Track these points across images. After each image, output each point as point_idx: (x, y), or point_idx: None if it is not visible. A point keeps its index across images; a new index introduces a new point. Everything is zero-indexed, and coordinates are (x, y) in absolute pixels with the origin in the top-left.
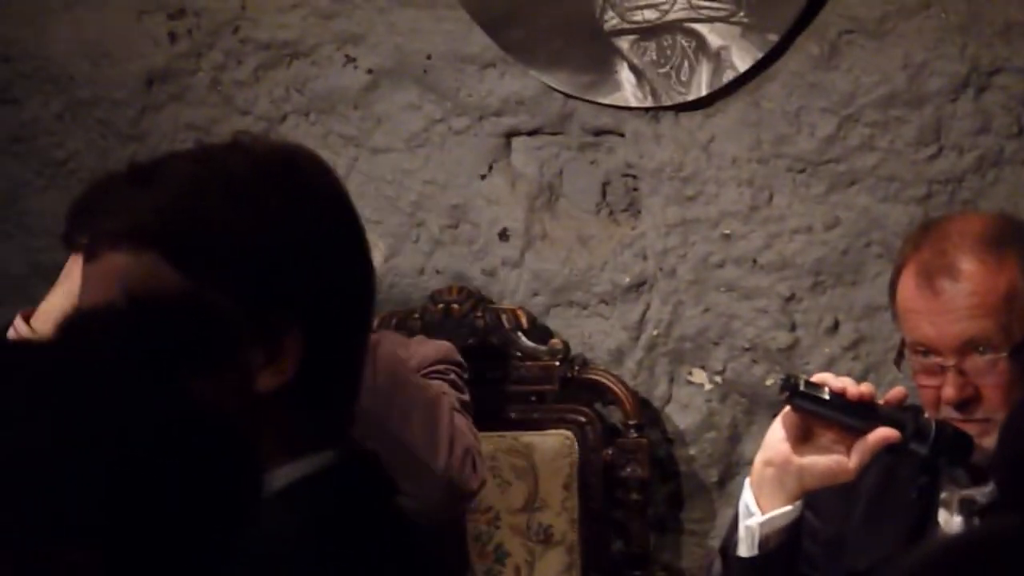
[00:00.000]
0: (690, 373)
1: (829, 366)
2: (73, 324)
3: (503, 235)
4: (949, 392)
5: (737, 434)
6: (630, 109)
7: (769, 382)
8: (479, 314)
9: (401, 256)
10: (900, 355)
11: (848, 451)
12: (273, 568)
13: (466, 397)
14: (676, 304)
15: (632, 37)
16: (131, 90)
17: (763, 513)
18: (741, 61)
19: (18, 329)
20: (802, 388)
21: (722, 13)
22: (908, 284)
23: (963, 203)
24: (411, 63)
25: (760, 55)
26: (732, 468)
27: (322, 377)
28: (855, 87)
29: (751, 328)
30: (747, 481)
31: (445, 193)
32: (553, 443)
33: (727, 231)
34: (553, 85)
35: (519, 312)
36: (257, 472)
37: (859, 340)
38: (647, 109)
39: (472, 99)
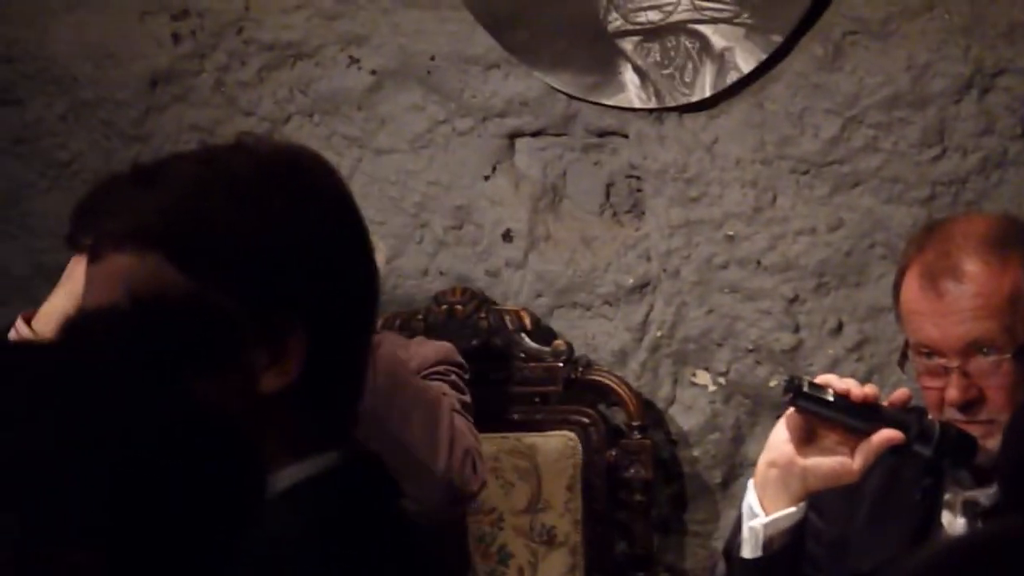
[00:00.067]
0: (694, 374)
1: (833, 367)
2: (76, 325)
3: (507, 236)
4: (953, 394)
5: (741, 435)
6: (634, 110)
7: (773, 383)
8: (483, 315)
9: (405, 257)
10: (904, 356)
11: (852, 452)
12: (277, 569)
13: (467, 398)
14: (680, 305)
15: (636, 38)
16: (135, 91)
17: (767, 514)
18: (745, 62)
19: (19, 331)
20: (806, 389)
21: (726, 14)
22: (912, 285)
23: (967, 204)
24: (415, 64)
25: (764, 56)
26: (736, 469)
27: (326, 378)
28: (859, 88)
29: (755, 329)
30: (751, 482)
31: (449, 194)
32: (557, 444)
33: (731, 232)
34: (557, 86)
35: (523, 313)
36: (261, 473)
37: (863, 341)
38: (651, 110)
39: (476, 100)
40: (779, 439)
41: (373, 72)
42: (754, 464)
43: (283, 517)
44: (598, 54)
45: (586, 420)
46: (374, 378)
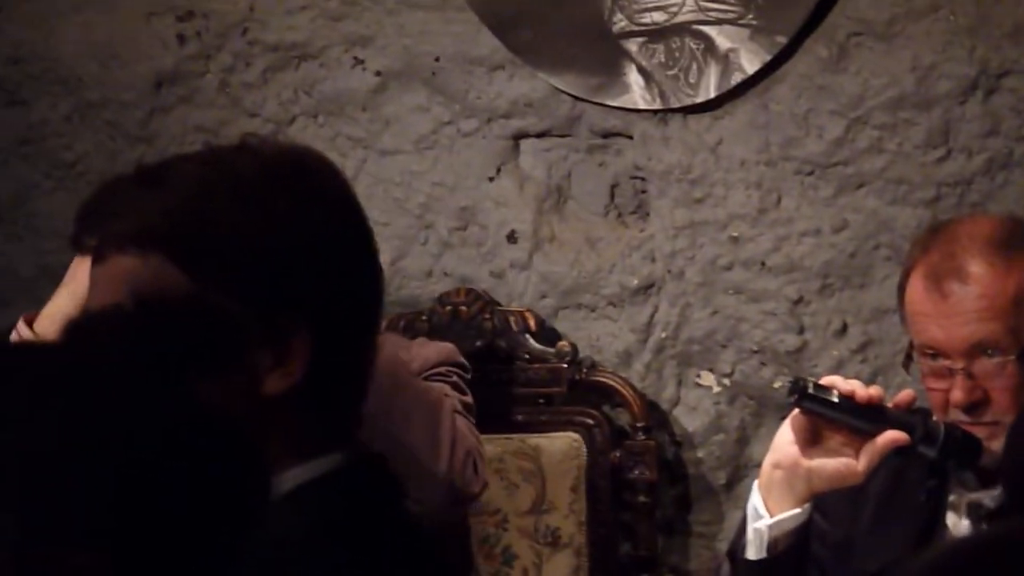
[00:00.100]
0: (698, 375)
1: (837, 369)
2: (80, 326)
3: (511, 237)
4: (958, 395)
5: (745, 437)
6: (638, 111)
7: (777, 385)
8: (487, 316)
9: (409, 258)
10: (908, 358)
11: (857, 454)
12: (281, 571)
13: (468, 399)
14: (684, 306)
15: (640, 39)
16: (140, 92)
17: (772, 516)
18: (749, 63)
19: (20, 333)
20: (811, 391)
21: (731, 15)
22: (916, 287)
23: (972, 206)
24: (419, 65)
25: (768, 57)
26: (740, 471)
27: (330, 379)
28: (864, 89)
29: (759, 331)
30: (755, 484)
31: (453, 195)
32: (561, 445)
33: (735, 233)
34: (561, 87)
35: (527, 314)
36: (264, 475)
37: (867, 343)
38: (655, 111)
39: (481, 101)
40: (784, 440)
41: (378, 73)
42: (759, 465)
43: (287, 519)
44: (603, 55)
45: (590, 421)
46: (375, 379)
